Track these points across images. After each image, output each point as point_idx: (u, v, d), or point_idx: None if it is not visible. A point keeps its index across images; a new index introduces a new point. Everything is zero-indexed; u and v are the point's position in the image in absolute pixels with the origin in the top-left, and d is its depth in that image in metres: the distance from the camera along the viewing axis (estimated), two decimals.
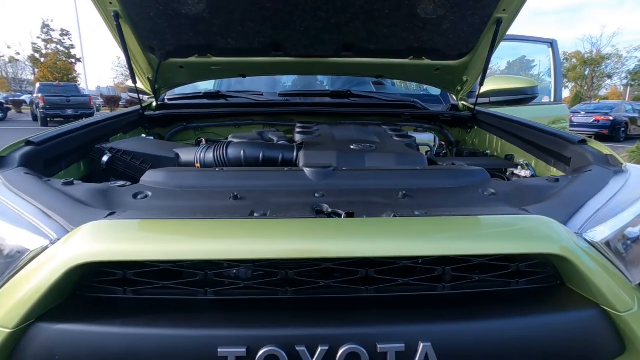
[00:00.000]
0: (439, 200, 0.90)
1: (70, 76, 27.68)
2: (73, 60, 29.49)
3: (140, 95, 1.74)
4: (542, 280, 0.71)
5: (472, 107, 1.86)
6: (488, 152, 1.72)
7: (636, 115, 13.49)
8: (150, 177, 0.99)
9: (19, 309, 0.59)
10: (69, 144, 1.20)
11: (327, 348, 0.57)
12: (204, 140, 1.56)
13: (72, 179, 0.94)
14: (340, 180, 0.99)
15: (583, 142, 1.17)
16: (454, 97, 2.05)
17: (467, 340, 0.61)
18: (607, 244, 0.74)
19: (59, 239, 0.66)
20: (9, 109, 18.68)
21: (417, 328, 0.60)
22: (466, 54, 1.70)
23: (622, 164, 1.05)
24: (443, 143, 1.94)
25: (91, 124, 1.35)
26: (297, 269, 0.66)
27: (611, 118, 12.87)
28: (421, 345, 0.58)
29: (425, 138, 1.78)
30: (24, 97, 22.98)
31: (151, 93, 1.81)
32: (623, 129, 12.66)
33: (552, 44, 3.07)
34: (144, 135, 1.66)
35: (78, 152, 1.26)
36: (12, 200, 0.78)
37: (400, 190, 0.92)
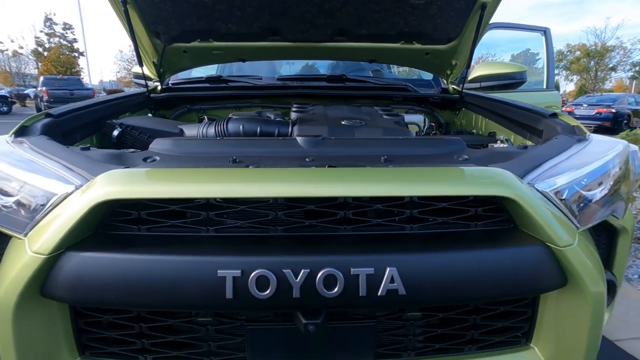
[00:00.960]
0: (417, 164, 1.01)
1: (73, 70, 27.82)
2: (76, 54, 29.60)
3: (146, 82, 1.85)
4: (497, 224, 0.82)
5: (460, 90, 1.96)
6: (474, 131, 1.82)
7: (639, 107, 13.45)
8: (157, 144, 1.10)
9: (52, 239, 0.71)
10: (83, 118, 1.31)
11: (309, 271, 0.69)
12: (206, 117, 1.67)
13: (89, 145, 1.05)
14: (329, 148, 1.10)
15: (554, 115, 1.27)
16: (444, 81, 2.14)
17: (427, 267, 0.72)
18: (557, 194, 0.85)
19: (82, 185, 0.78)
20: (14, 103, 18.85)
21: (385, 257, 0.71)
22: (454, 38, 1.80)
23: (586, 133, 1.15)
24: (433, 124, 2.04)
25: (103, 102, 1.46)
26: (285, 210, 0.77)
27: (613, 110, 12.83)
28: (388, 269, 0.69)
29: (415, 119, 1.88)
30: (27, 91, 23.16)
31: (156, 77, 1.92)
32: (625, 121, 12.62)
33: (545, 32, 3.14)
34: (150, 115, 1.77)
35: (91, 126, 1.37)
36: (39, 158, 0.90)
37: (382, 156, 1.02)
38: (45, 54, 28.91)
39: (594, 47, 25.53)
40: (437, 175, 0.81)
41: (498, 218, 0.82)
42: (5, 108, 17.31)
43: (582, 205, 0.88)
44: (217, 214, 0.78)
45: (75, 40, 29.47)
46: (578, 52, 26.02)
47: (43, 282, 0.72)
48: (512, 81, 2.38)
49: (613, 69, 25.91)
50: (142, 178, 0.77)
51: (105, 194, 0.72)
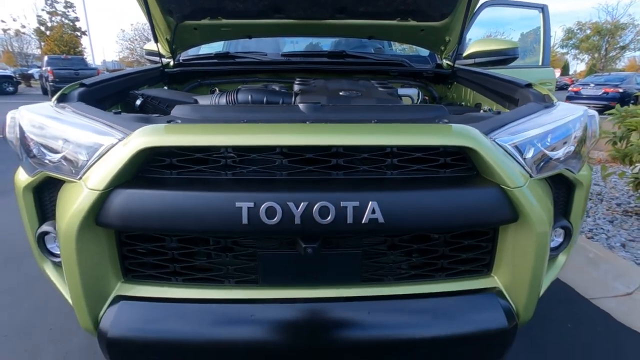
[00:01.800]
0: None
1: (76, 49, 27.71)
2: (78, 34, 29.40)
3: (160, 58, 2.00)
4: (462, 171, 1.00)
5: (452, 65, 2.10)
6: (463, 103, 1.97)
7: None
8: (178, 110, 1.27)
9: (104, 178, 0.90)
10: (110, 88, 1.49)
11: (307, 203, 0.87)
12: (217, 89, 1.83)
13: (120, 110, 1.23)
14: (327, 113, 1.27)
15: (529, 85, 1.42)
16: (439, 56, 2.27)
17: (402, 202, 0.90)
18: (515, 147, 1.02)
19: (123, 138, 0.96)
20: (19, 83, 18.98)
21: (368, 193, 0.90)
22: (447, 15, 1.92)
23: (553, 101, 1.30)
24: (427, 98, 2.19)
25: (125, 75, 1.63)
26: (288, 158, 0.95)
27: (621, 90, 12.67)
28: (370, 202, 0.88)
29: (409, 92, 2.03)
30: (31, 71, 23.24)
31: (169, 54, 2.07)
32: (632, 102, 12.51)
33: (542, 9, 3.22)
34: (165, 88, 1.94)
35: (116, 96, 1.55)
36: (83, 119, 1.08)
37: (373, 120, 1.19)
38: (48, 33, 28.74)
39: (607, 25, 24.86)
40: (413, 129, 0.98)
41: (463, 166, 1.00)
42: (11, 88, 17.44)
43: (536, 156, 1.05)
44: (234, 161, 0.96)
45: (77, 19, 29.23)
46: (589, 30, 25.36)
47: (97, 213, 0.91)
48: (505, 57, 2.50)
49: (624, 47, 25.30)
50: (173, 130, 0.95)
51: (146, 142, 0.90)
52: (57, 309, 2.01)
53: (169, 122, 1.17)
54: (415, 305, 1.02)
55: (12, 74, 18.67)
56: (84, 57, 22.85)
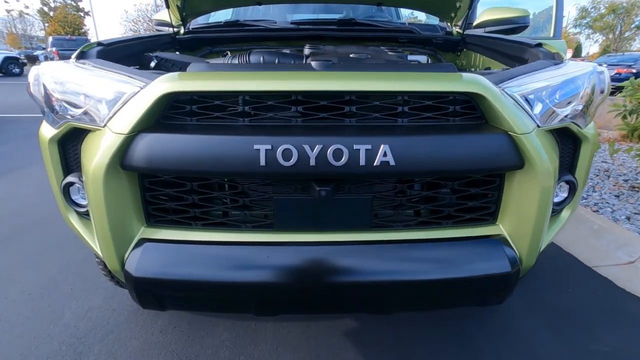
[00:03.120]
0: None
1: (80, 30, 27.51)
2: (82, 14, 29.12)
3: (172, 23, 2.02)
4: (471, 119, 1.03)
5: (462, 32, 2.09)
6: (472, 69, 1.97)
7: None
8: (194, 67, 1.30)
9: (129, 122, 0.95)
10: (126, 49, 1.52)
11: (321, 146, 0.91)
12: (229, 52, 1.85)
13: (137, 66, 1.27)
14: (339, 70, 1.30)
15: (539, 45, 1.42)
16: (449, 24, 2.26)
17: (412, 146, 0.94)
18: (524, 97, 1.04)
19: (145, 86, 1.00)
20: (25, 65, 18.99)
21: (380, 137, 0.93)
22: None
23: (563, 58, 1.31)
24: None
25: (138, 38, 1.66)
26: (303, 105, 0.99)
27: (634, 71, 12.39)
28: (382, 146, 0.92)
29: (418, 59, 2.04)
30: (36, 53, 23.19)
31: (179, 21, 2.08)
32: None
33: None
34: (177, 53, 1.96)
35: (132, 58, 1.58)
36: (105, 71, 1.12)
37: None
38: (51, 14, 28.50)
39: (624, 2, 24.00)
40: (424, 77, 1.01)
41: (472, 115, 1.03)
42: (17, 70, 17.48)
43: (545, 110, 1.07)
44: (251, 107, 1.00)
45: None
46: (603, 9, 24.54)
47: (123, 156, 0.96)
48: (516, 25, 2.47)
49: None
50: (192, 77, 0.99)
51: (167, 87, 0.94)
52: (77, 272, 2.11)
53: None
54: (423, 250, 1.07)
55: (18, 55, 18.66)
56: (89, 38, 22.70)
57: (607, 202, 3.21)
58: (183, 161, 0.94)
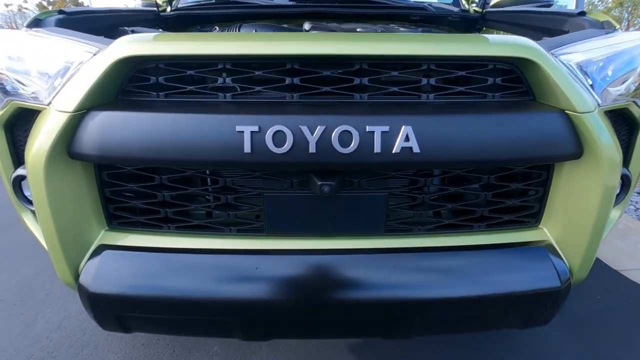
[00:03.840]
0: None
1: None
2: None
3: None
4: (515, 95, 0.81)
5: (481, 10, 1.86)
6: None
7: None
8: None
9: (75, 97, 0.74)
10: (95, 21, 1.30)
11: (324, 127, 0.70)
12: (217, 27, 1.63)
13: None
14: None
15: (582, 13, 1.20)
16: (465, 2, 2.03)
17: (442, 127, 0.72)
18: (580, 67, 0.82)
19: (100, 50, 0.78)
20: None
21: (401, 117, 0.72)
22: None
23: (615, 27, 1.09)
24: None
25: (113, 10, 1.44)
26: (301, 76, 0.77)
27: None
28: (403, 127, 0.70)
29: None
30: None
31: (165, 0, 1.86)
32: None
33: None
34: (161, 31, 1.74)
35: (103, 32, 1.36)
36: (56, 38, 0.91)
37: None
38: (50, 8, 28.24)
39: None
40: (456, 38, 0.78)
41: (517, 89, 0.81)
42: None
43: (602, 84, 0.85)
44: (234, 79, 0.78)
45: None
46: (610, 2, 24.06)
47: (70, 142, 0.75)
48: (539, 4, 2.24)
49: None
50: (158, 38, 0.77)
51: (123, 51, 0.73)
52: (54, 276, 1.91)
53: None
54: (449, 259, 0.86)
55: None
56: None
57: (630, 200, 3.00)
58: (147, 148, 0.72)
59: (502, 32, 1.71)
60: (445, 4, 2.43)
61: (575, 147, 0.77)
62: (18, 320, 1.63)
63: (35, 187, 0.79)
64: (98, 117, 0.73)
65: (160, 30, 1.75)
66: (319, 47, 0.73)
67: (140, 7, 1.77)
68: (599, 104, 0.82)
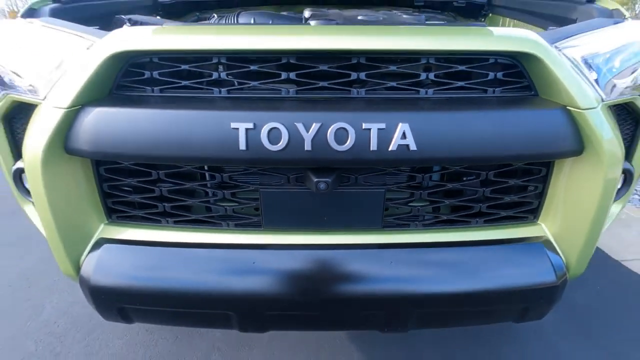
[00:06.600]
0: None
1: None
2: None
3: None
4: (516, 90, 0.79)
5: None
6: None
7: None
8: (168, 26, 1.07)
9: (70, 93, 0.73)
10: (90, 10, 1.28)
11: (320, 125, 0.69)
12: (215, 15, 1.60)
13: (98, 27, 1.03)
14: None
15: (591, 1, 1.16)
16: None
17: (440, 124, 0.71)
18: (584, 61, 0.80)
19: (93, 44, 0.77)
20: None
21: (397, 114, 0.71)
22: None
23: (624, 16, 1.05)
24: None
25: None
26: (296, 71, 0.76)
27: None
28: (400, 125, 0.69)
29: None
30: None
31: None
32: None
33: None
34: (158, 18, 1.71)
35: (100, 20, 1.34)
36: (50, 30, 0.89)
37: None
38: None
39: None
40: (457, 31, 0.76)
41: (518, 84, 0.79)
42: None
43: (607, 77, 0.83)
44: (229, 74, 0.77)
45: None
46: None
47: (66, 137, 0.75)
48: None
49: None
50: (154, 32, 0.76)
51: (117, 46, 0.72)
52: None
53: None
54: (447, 254, 0.86)
55: None
56: None
57: (635, 189, 2.96)
58: (141, 143, 0.72)
59: (508, 18, 1.66)
60: None
61: (576, 144, 0.75)
62: (26, 305, 1.68)
63: (33, 183, 0.79)
64: (92, 113, 0.73)
65: (158, 17, 1.72)
66: (315, 42, 0.71)
67: None
68: (602, 99, 0.80)
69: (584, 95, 0.73)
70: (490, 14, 1.83)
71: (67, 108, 0.73)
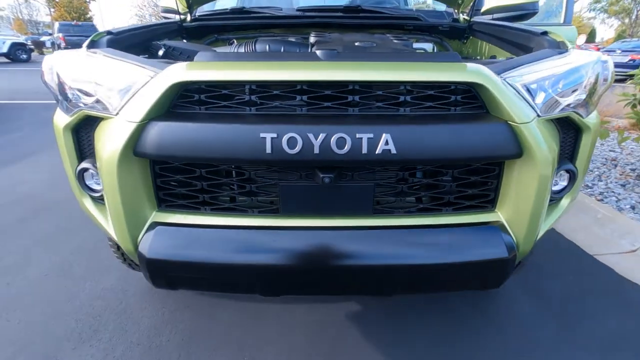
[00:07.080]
0: None
1: (86, 16, 27.42)
2: (87, 0, 28.97)
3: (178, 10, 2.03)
4: (472, 109, 1.05)
5: (469, 19, 2.07)
6: (479, 57, 1.97)
7: None
8: (201, 56, 1.33)
9: (141, 111, 0.99)
10: (134, 38, 1.55)
11: (325, 135, 0.95)
12: (235, 41, 1.87)
13: (147, 56, 1.30)
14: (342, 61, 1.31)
15: (544, 33, 1.42)
16: (456, 10, 2.24)
17: (413, 134, 0.97)
18: (526, 88, 1.06)
19: (155, 75, 1.03)
20: (32, 51, 19.01)
21: (382, 127, 0.96)
22: None
23: (568, 47, 1.32)
24: None
25: (146, 27, 1.69)
26: (307, 94, 1.02)
27: None
28: (384, 135, 0.95)
29: (424, 46, 2.04)
30: (43, 39, 23.20)
31: (185, 8, 2.09)
32: None
33: None
34: (184, 42, 1.99)
35: (140, 46, 1.61)
36: (116, 61, 1.15)
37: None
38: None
39: None
40: (426, 67, 1.03)
41: (473, 104, 1.05)
42: (24, 56, 17.49)
43: (547, 100, 1.08)
44: (258, 97, 1.03)
45: None
46: None
47: (135, 143, 1.01)
48: (524, 12, 2.44)
49: None
50: (201, 67, 1.02)
51: (177, 77, 0.98)
52: (90, 255, 2.19)
53: None
54: (423, 235, 1.11)
55: (25, 42, 18.68)
56: (94, 23, 22.63)
57: (613, 191, 3.20)
58: (191, 148, 0.98)
59: (485, 42, 1.93)
60: (439, 11, 2.64)
61: (516, 149, 1.01)
62: (64, 291, 1.91)
63: (107, 179, 1.04)
64: (157, 126, 0.99)
65: (184, 41, 1.99)
66: (321, 75, 0.98)
67: (166, 21, 2.01)
68: (538, 115, 1.06)
69: (520, 113, 0.99)
70: (471, 37, 2.10)
71: (139, 122, 0.99)
